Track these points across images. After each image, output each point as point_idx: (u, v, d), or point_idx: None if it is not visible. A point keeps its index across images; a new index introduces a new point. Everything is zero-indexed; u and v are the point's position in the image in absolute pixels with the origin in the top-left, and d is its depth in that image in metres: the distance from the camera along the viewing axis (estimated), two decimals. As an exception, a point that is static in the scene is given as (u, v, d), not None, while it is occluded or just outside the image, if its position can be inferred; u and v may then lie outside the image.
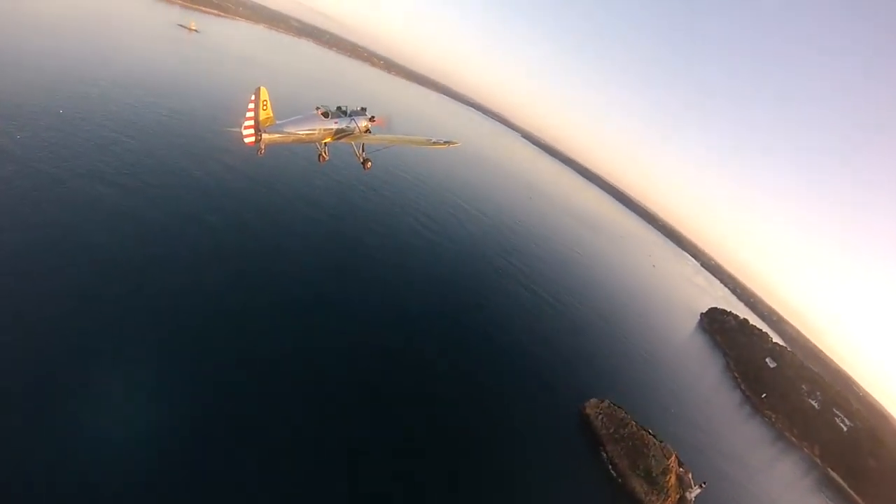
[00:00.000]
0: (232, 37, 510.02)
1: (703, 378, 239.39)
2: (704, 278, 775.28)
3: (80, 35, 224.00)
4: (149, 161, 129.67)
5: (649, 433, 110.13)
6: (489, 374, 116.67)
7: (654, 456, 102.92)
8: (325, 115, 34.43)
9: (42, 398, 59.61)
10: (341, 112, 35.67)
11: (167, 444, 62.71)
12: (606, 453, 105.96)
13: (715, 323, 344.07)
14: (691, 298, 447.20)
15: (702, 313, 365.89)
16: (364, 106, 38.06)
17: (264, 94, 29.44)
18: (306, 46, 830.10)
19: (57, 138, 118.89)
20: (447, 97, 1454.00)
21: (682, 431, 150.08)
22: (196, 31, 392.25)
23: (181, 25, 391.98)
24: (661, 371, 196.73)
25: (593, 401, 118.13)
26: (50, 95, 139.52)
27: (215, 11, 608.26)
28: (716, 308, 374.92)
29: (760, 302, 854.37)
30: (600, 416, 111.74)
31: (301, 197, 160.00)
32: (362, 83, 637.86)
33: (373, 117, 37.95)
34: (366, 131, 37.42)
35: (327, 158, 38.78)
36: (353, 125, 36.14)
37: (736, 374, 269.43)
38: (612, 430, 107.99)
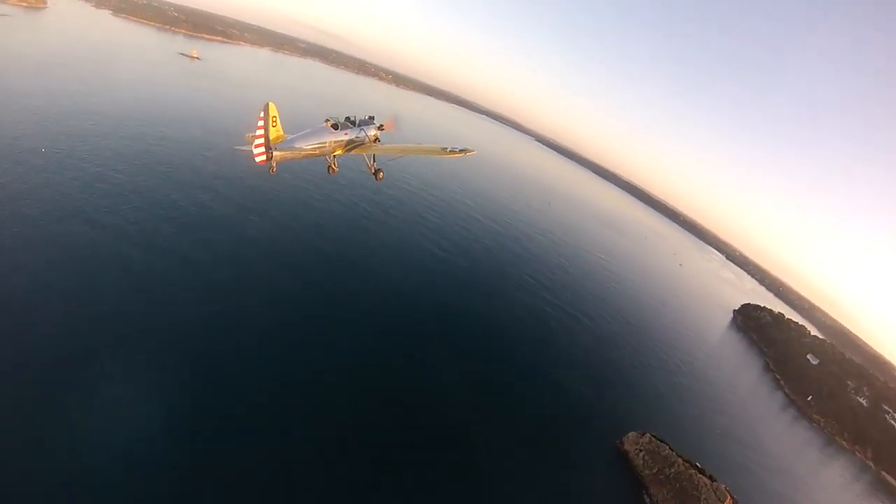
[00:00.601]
0: (234, 63, 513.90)
1: (743, 383, 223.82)
2: (732, 272, 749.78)
3: (75, 71, 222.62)
4: (132, 196, 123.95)
5: (698, 470, 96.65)
6: (515, 407, 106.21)
7: (705, 499, 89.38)
8: (335, 126, 33.89)
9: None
10: (350, 123, 35.08)
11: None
12: (650, 497, 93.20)
13: (749, 320, 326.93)
14: (722, 295, 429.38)
15: (734, 310, 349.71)
16: (372, 115, 37.48)
17: (273, 110, 28.80)
18: (313, 66, 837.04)
19: (39, 179, 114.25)
20: (457, 106, 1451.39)
21: (729, 451, 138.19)
22: (198, 58, 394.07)
23: (182, 54, 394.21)
24: (698, 379, 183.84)
25: (632, 435, 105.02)
26: (39, 134, 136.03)
27: (219, 38, 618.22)
28: (749, 304, 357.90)
29: (790, 290, 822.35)
30: (641, 454, 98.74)
31: (297, 219, 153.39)
32: (372, 98, 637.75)
33: (381, 125, 37.27)
34: (375, 140, 36.81)
35: (337, 170, 38.12)
36: (362, 135, 35.69)
37: (777, 376, 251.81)
38: (655, 471, 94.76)
